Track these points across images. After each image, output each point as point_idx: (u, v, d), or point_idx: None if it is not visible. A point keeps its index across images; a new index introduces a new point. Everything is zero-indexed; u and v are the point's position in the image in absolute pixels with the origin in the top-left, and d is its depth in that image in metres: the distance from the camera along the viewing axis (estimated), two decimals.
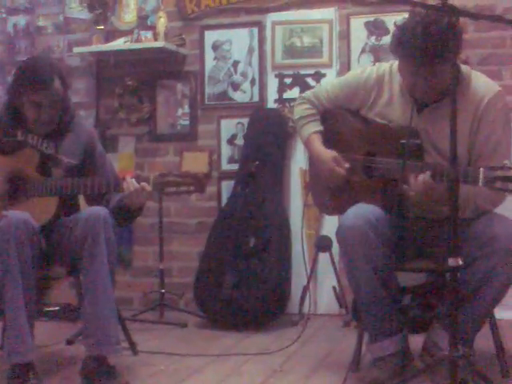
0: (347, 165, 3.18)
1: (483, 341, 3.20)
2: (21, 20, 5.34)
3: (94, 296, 3.11)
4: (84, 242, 3.11)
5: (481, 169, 2.66)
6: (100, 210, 3.19)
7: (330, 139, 3.31)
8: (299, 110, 3.41)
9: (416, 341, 3.22)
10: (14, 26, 5.35)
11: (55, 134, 3.37)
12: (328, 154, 3.23)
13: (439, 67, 2.86)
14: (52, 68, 3.29)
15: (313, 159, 3.36)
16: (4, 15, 5.38)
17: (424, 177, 2.85)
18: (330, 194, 3.33)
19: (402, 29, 2.95)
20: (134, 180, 3.18)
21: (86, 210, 3.24)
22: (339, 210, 3.20)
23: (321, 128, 3.34)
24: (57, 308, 4.62)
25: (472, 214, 2.93)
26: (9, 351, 3.06)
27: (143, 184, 3.16)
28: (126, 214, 3.35)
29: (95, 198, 3.38)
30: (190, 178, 3.14)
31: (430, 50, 2.81)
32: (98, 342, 3.11)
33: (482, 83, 3.05)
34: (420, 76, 2.90)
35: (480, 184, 2.65)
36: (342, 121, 3.30)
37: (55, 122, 3.35)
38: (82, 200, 3.52)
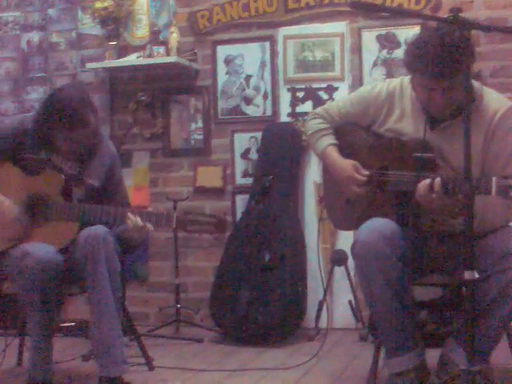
0: (367, 172, 3.17)
1: (501, 355, 3.18)
2: (34, 36, 5.38)
3: (98, 317, 3.14)
4: (85, 262, 3.13)
5: (493, 178, 2.65)
6: (98, 229, 3.17)
7: (342, 154, 3.31)
8: (312, 125, 3.41)
9: (432, 356, 3.20)
10: (28, 42, 5.39)
11: (81, 156, 3.36)
12: (348, 162, 3.23)
13: (455, 80, 2.85)
14: (86, 103, 3.23)
15: (332, 169, 3.32)
16: (18, 32, 5.42)
17: (426, 181, 2.84)
18: (344, 208, 3.32)
19: (415, 43, 2.95)
20: (138, 219, 3.16)
21: (85, 230, 3.20)
22: (354, 225, 3.18)
23: (336, 141, 3.33)
24: (72, 324, 4.63)
25: (478, 228, 2.88)
26: (31, 368, 3.14)
27: (147, 225, 3.17)
28: (124, 245, 3.35)
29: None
30: (213, 219, 3.15)
31: (446, 62, 2.81)
32: (105, 363, 3.15)
33: (493, 99, 3.04)
34: (436, 90, 2.90)
35: (493, 193, 2.65)
36: (353, 136, 3.30)
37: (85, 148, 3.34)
38: None
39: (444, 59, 2.81)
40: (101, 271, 3.11)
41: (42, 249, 3.10)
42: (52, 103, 3.23)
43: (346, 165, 3.22)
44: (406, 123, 3.13)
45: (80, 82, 5.05)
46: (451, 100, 2.93)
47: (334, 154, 3.30)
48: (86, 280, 3.15)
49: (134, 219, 3.15)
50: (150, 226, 3.17)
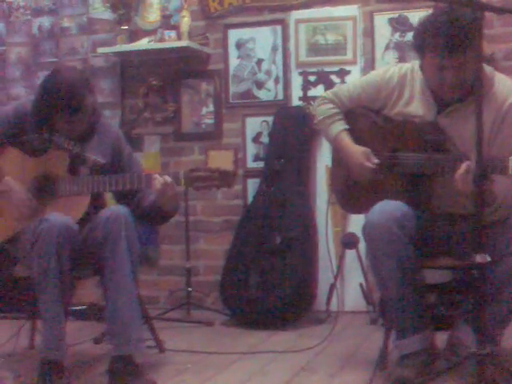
0: (377, 160, 3.16)
1: (510, 337, 3.17)
2: (45, 21, 5.38)
3: (117, 297, 3.13)
4: (105, 242, 3.13)
5: (510, 157, 2.63)
6: (120, 210, 3.20)
7: (353, 138, 3.29)
8: (323, 110, 3.38)
9: (441, 338, 3.20)
10: (39, 27, 5.39)
11: (82, 135, 3.36)
12: (359, 149, 3.22)
13: (466, 57, 2.83)
14: (82, 84, 3.24)
15: (343, 154, 3.31)
16: (29, 17, 5.42)
17: (465, 164, 2.79)
18: (353, 191, 3.31)
19: (424, 23, 2.94)
20: (165, 176, 3.18)
21: (106, 210, 3.24)
22: (363, 207, 3.18)
23: (347, 126, 3.32)
24: (83, 307, 4.64)
25: (497, 213, 2.86)
26: (44, 347, 3.12)
27: (165, 177, 3.16)
28: (160, 214, 3.39)
29: (126, 196, 3.40)
30: (219, 174, 3.14)
31: (457, 38, 2.80)
32: (122, 342, 3.13)
33: (505, 85, 3.00)
34: (448, 69, 2.88)
35: (510, 173, 2.63)
36: (364, 119, 3.29)
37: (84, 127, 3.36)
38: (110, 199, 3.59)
39: (454, 35, 2.80)
40: (121, 251, 3.11)
41: (58, 216, 3.12)
42: (49, 86, 3.25)
43: (358, 151, 3.21)
44: (415, 107, 3.12)
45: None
46: (462, 79, 2.92)
47: (347, 140, 3.28)
48: (104, 260, 3.14)
49: (160, 178, 3.16)
50: (166, 176, 3.16)
